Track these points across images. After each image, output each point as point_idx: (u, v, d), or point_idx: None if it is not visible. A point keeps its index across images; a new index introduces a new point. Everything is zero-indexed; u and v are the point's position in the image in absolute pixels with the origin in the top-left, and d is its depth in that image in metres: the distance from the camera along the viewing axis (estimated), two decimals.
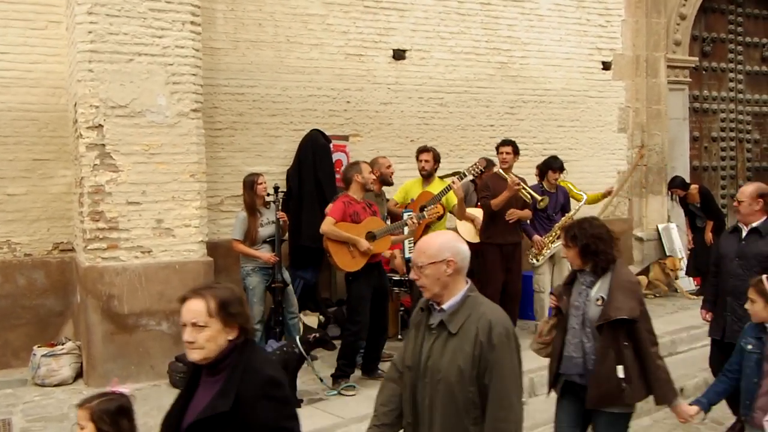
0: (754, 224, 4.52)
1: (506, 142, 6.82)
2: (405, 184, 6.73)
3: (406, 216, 5.98)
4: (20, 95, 6.42)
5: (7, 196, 6.44)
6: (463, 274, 2.65)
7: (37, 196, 6.54)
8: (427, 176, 6.50)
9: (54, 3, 6.49)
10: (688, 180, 9.90)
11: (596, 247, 3.44)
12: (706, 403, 3.65)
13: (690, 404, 3.64)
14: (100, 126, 5.76)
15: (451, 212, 6.48)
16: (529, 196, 6.67)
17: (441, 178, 6.63)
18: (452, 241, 2.67)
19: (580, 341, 3.48)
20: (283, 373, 2.54)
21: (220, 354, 2.41)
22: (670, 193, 9.43)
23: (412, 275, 2.67)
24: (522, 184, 6.65)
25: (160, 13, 5.91)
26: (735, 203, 4.64)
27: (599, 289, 3.46)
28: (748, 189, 4.57)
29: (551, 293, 3.73)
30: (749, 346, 3.54)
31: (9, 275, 6.45)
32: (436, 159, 6.49)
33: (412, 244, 6.84)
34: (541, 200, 6.70)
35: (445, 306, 2.63)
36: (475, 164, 6.32)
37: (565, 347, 3.54)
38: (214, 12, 6.99)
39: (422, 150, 6.53)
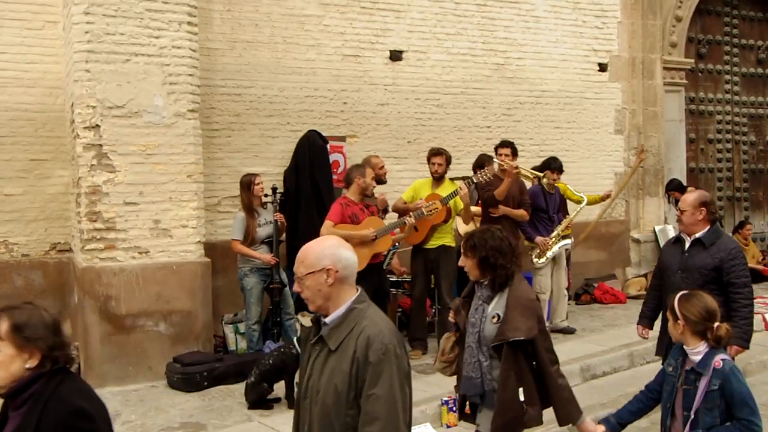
0: (697, 235, 4.26)
1: (505, 144, 6.81)
2: (415, 183, 6.72)
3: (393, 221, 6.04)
4: (17, 95, 6.42)
5: (4, 197, 6.43)
6: (350, 284, 2.41)
7: (34, 197, 6.54)
8: (438, 178, 6.49)
9: (51, 3, 6.49)
10: (684, 182, 9.95)
11: (495, 260, 3.24)
12: (614, 422, 3.40)
13: (598, 422, 3.42)
14: (97, 126, 5.76)
15: (458, 215, 6.49)
16: (531, 176, 6.68)
17: (452, 180, 6.62)
18: (333, 247, 2.41)
19: (477, 360, 3.29)
20: (102, 406, 2.25)
21: (17, 383, 2.16)
22: (667, 195, 9.45)
23: (295, 288, 2.45)
24: (520, 167, 6.67)
25: (156, 14, 5.91)
26: (677, 213, 4.42)
27: (496, 306, 3.27)
28: (690, 197, 4.31)
29: (449, 307, 3.52)
30: (670, 368, 3.33)
31: (6, 276, 6.44)
32: (448, 162, 6.48)
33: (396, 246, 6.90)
34: (544, 176, 6.71)
35: (327, 319, 2.40)
36: (484, 171, 6.32)
37: (464, 366, 3.36)
38: (211, 12, 6.99)
39: (435, 153, 6.50)
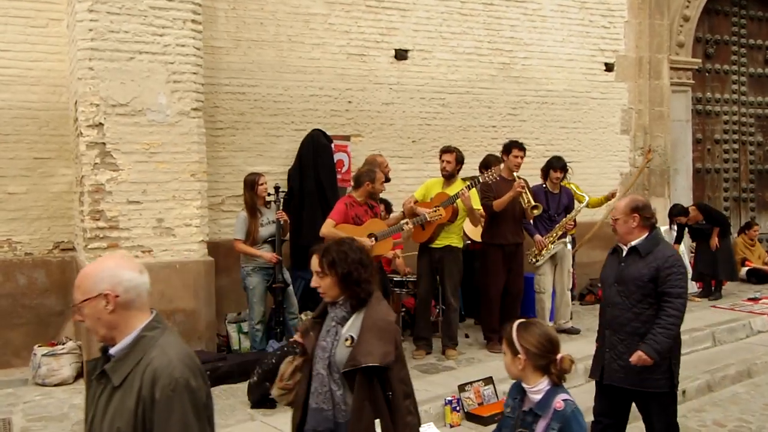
0: (633, 243, 3.90)
1: (521, 147, 6.76)
2: (427, 182, 6.69)
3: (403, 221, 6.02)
4: (21, 93, 6.41)
5: (7, 195, 6.42)
6: (138, 308, 2.12)
7: (37, 195, 6.53)
8: (448, 177, 6.44)
9: (55, 0, 6.48)
10: (690, 182, 9.92)
11: (359, 275, 2.85)
12: None
13: None
14: (101, 124, 5.75)
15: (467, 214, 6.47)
16: (526, 201, 6.65)
17: (464, 179, 6.59)
18: (111, 269, 2.12)
19: (329, 390, 2.86)
20: None
21: None
22: (670, 221, 9.19)
23: (75, 317, 2.20)
24: (525, 187, 6.63)
25: (161, 11, 5.89)
26: (611, 221, 4.10)
27: (350, 327, 2.86)
28: (621, 204, 3.97)
29: (296, 329, 3.16)
30: (508, 409, 2.92)
31: (9, 274, 6.43)
32: (459, 161, 6.40)
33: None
34: (534, 207, 6.67)
35: (112, 350, 2.12)
36: (491, 172, 6.29)
37: (312, 397, 2.91)
38: (216, 10, 6.97)
39: (445, 150, 6.45)
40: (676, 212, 9.00)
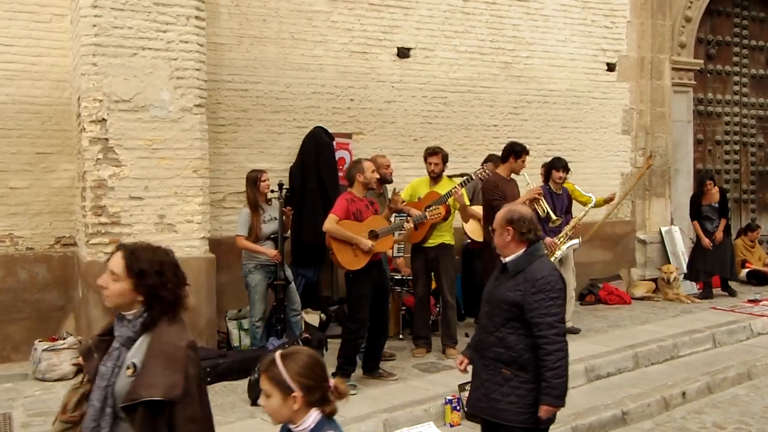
0: (506, 259, 3.44)
1: (527, 150, 6.78)
2: (413, 182, 6.73)
3: (396, 221, 6.02)
4: (24, 88, 6.41)
5: (9, 190, 6.43)
6: None
7: (39, 190, 6.53)
8: (435, 177, 6.49)
9: None
10: (690, 184, 9.93)
11: (168, 290, 2.39)
12: None
13: None
14: (104, 120, 5.75)
15: (458, 210, 6.49)
16: (543, 210, 6.67)
17: (450, 177, 6.62)
18: None
19: (97, 425, 2.36)
20: None
21: None
22: (705, 185, 9.22)
23: None
24: (541, 194, 6.66)
25: (164, 8, 5.90)
26: (491, 231, 3.65)
27: (136, 352, 2.36)
28: (498, 214, 3.52)
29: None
30: None
31: (11, 269, 6.44)
32: (445, 160, 6.47)
33: (402, 246, 7.00)
34: (556, 219, 6.72)
35: None
36: (483, 169, 6.31)
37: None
38: (219, 7, 6.98)
39: (431, 153, 6.49)
40: (707, 178, 9.14)
